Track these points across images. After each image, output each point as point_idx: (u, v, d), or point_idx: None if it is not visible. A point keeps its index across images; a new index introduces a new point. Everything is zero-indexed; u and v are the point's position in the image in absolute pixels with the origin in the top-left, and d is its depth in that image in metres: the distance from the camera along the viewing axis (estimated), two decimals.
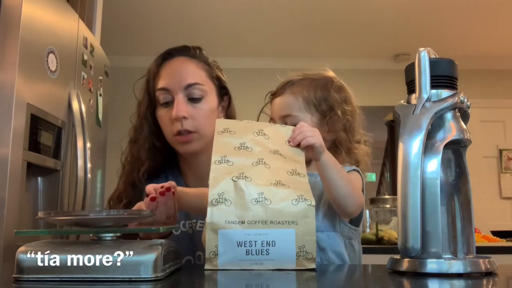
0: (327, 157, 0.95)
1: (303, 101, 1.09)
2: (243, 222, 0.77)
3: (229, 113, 1.31)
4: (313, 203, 0.78)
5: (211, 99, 1.25)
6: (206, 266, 0.76)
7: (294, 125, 0.99)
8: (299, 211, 0.77)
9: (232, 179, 0.81)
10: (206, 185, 1.19)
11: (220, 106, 1.30)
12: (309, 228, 0.77)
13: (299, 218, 0.77)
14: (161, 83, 1.22)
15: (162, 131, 1.24)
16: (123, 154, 1.31)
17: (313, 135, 0.93)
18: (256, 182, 0.80)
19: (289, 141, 0.93)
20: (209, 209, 0.78)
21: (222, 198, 0.79)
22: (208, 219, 0.77)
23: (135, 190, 1.25)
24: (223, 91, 1.31)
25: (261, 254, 0.75)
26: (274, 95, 1.14)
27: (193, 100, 1.21)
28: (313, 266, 0.75)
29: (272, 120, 1.12)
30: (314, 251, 0.76)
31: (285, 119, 1.08)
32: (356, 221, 1.08)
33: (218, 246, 0.76)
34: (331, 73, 1.19)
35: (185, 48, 1.28)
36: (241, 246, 0.75)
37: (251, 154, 0.88)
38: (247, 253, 0.75)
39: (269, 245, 0.75)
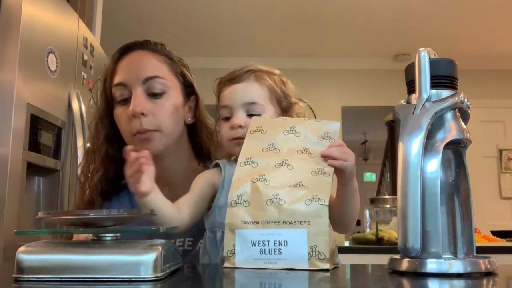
0: (353, 185, 0.89)
1: (268, 91, 1.02)
2: (257, 223, 0.79)
3: (197, 115, 1.17)
4: (326, 202, 0.78)
5: (174, 96, 1.11)
6: (225, 264, 0.79)
7: (258, 115, 0.98)
8: (312, 211, 0.77)
9: (252, 181, 0.82)
10: (178, 192, 1.12)
11: (187, 106, 1.16)
12: (321, 228, 0.77)
13: (312, 218, 0.77)
14: (117, 79, 1.09)
15: (121, 134, 1.11)
16: (81, 167, 1.18)
17: (347, 160, 0.85)
18: (274, 184, 0.82)
19: (323, 157, 0.86)
20: (228, 210, 0.81)
21: (240, 200, 0.81)
22: (227, 219, 0.80)
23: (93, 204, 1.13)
24: (189, 89, 1.17)
25: (274, 253, 0.77)
26: (230, 81, 1.03)
27: (153, 95, 1.07)
28: (327, 266, 0.75)
29: (225, 108, 1.02)
30: (327, 252, 0.76)
31: (249, 106, 0.99)
32: None
33: (235, 245, 0.78)
34: (278, 71, 1.10)
35: (145, 42, 1.17)
36: (255, 245, 0.77)
37: (277, 155, 0.88)
38: (261, 253, 0.77)
39: (282, 245, 0.77)
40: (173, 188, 1.11)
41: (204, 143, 1.19)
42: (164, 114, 1.08)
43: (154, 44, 1.16)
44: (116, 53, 1.14)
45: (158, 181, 1.11)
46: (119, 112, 1.10)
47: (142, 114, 1.05)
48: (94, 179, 1.13)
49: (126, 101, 1.08)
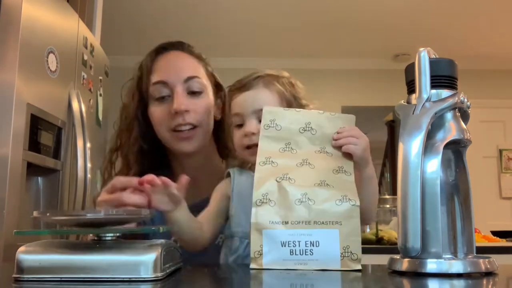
0: (368, 172, 0.90)
1: (278, 96, 1.01)
2: (286, 223, 0.77)
3: (225, 112, 1.21)
4: (358, 203, 0.78)
5: (210, 95, 1.17)
6: (252, 265, 0.77)
7: None
8: (343, 211, 0.77)
9: (276, 180, 0.81)
10: (202, 189, 1.15)
11: (216, 104, 1.22)
12: (353, 228, 0.76)
13: (343, 218, 0.76)
14: (157, 77, 1.13)
15: (155, 130, 1.14)
16: (104, 163, 1.20)
17: (356, 144, 0.87)
18: (300, 183, 0.81)
19: (334, 139, 0.89)
20: (253, 210, 0.79)
21: (266, 199, 0.80)
22: (252, 219, 0.78)
23: None
24: (218, 88, 1.23)
25: (305, 254, 0.75)
26: (240, 89, 1.04)
27: (193, 93, 1.12)
28: (359, 267, 0.75)
29: (237, 115, 1.02)
30: (359, 252, 0.75)
31: (260, 113, 0.97)
32: None
33: (262, 245, 0.77)
34: (286, 73, 1.09)
35: (180, 43, 1.21)
36: (285, 246, 0.76)
37: (295, 155, 0.87)
38: (291, 253, 0.76)
39: (313, 245, 0.75)
40: (198, 186, 1.15)
41: (228, 141, 1.21)
42: (203, 112, 1.14)
43: (188, 46, 1.20)
44: (153, 53, 1.18)
45: (184, 174, 1.16)
46: (158, 110, 1.13)
47: (186, 111, 1.10)
48: (129, 175, 1.12)
49: (164, 98, 1.12)
